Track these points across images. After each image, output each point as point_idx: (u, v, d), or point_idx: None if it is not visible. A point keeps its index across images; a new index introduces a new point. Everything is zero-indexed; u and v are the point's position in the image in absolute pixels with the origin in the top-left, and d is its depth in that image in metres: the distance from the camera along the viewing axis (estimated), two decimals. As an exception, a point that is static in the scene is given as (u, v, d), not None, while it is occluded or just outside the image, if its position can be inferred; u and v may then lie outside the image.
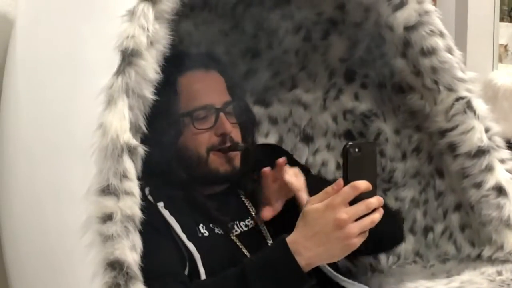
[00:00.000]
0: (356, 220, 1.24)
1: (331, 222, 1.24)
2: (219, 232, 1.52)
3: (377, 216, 1.26)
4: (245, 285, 1.29)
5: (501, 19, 6.43)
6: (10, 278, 1.43)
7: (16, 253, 1.41)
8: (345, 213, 1.23)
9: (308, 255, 1.27)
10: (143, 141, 1.33)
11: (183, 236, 1.43)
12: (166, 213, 1.44)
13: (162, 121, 1.43)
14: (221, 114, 1.54)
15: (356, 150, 1.26)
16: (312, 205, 1.27)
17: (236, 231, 1.55)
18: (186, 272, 1.42)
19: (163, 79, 1.36)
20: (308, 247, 1.27)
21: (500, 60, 5.85)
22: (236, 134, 1.57)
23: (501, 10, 6.28)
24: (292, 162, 1.72)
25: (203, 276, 1.41)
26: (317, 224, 1.26)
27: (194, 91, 1.54)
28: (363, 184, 1.24)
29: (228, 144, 1.54)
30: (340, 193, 1.24)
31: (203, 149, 1.53)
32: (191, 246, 1.43)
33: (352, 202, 1.24)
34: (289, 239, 1.29)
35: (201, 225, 1.51)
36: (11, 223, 1.42)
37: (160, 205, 1.44)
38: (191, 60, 1.58)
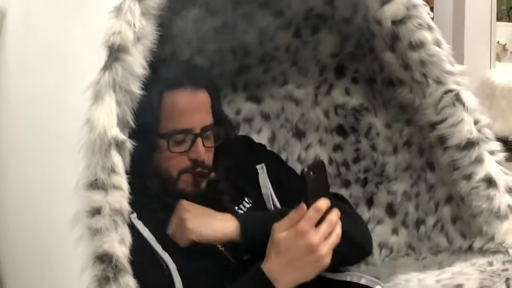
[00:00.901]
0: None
1: (303, 248, 1.29)
2: None
3: (339, 230, 1.33)
4: None
5: (500, 19, 6.44)
6: (3, 272, 1.43)
7: (8, 247, 1.42)
8: (314, 237, 1.29)
9: (285, 280, 1.32)
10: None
11: (158, 247, 1.43)
12: (139, 225, 1.43)
13: (138, 133, 1.38)
14: (198, 139, 1.53)
15: (311, 173, 1.31)
16: (280, 233, 1.31)
17: None
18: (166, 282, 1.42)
19: (149, 89, 1.36)
20: (284, 273, 1.32)
21: (499, 59, 5.86)
22: (209, 158, 1.57)
23: (500, 10, 6.29)
24: (277, 162, 1.77)
25: (178, 285, 1.41)
26: (290, 252, 1.30)
27: (177, 112, 1.51)
28: (324, 204, 1.30)
29: (199, 169, 1.54)
30: (306, 218, 1.29)
31: (175, 172, 1.53)
32: (165, 256, 1.42)
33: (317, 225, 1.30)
34: (265, 268, 1.32)
35: None
36: (3, 218, 1.42)
37: (133, 216, 1.41)
38: (181, 77, 1.55)
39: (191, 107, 1.54)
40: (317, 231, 1.29)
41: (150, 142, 1.48)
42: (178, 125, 1.52)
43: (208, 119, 1.57)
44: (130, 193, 1.29)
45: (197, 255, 1.46)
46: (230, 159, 1.65)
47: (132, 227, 1.35)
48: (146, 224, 1.44)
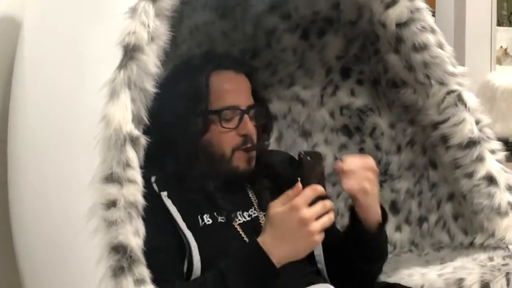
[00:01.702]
0: (317, 219, 1.32)
1: (296, 221, 1.31)
2: (222, 221, 1.54)
3: (332, 215, 1.34)
4: (224, 283, 1.34)
5: (500, 24, 6.44)
6: (20, 264, 1.45)
7: (26, 240, 1.43)
8: (307, 212, 1.31)
9: (278, 253, 1.33)
10: (163, 131, 1.40)
11: (183, 225, 1.46)
12: (168, 202, 1.47)
13: (188, 112, 1.47)
14: (245, 116, 1.57)
15: (308, 158, 1.36)
16: (276, 208, 1.34)
17: (239, 220, 1.57)
18: (186, 259, 1.44)
19: (196, 72, 1.41)
20: (277, 246, 1.33)
21: (500, 63, 5.86)
22: (254, 137, 1.60)
23: (500, 15, 6.29)
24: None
25: (197, 263, 1.43)
26: (284, 224, 1.33)
27: (224, 90, 1.57)
28: (320, 187, 1.33)
29: (249, 145, 1.58)
30: (302, 195, 1.32)
31: (229, 148, 1.56)
32: (189, 234, 1.45)
33: (309, 205, 1.33)
34: (260, 240, 1.35)
35: (206, 214, 1.53)
36: (21, 212, 1.44)
37: (164, 194, 1.46)
38: (224, 60, 1.61)
39: (236, 87, 1.59)
40: (310, 208, 1.31)
41: (201, 119, 1.53)
42: (226, 102, 1.56)
43: (251, 100, 1.61)
44: (163, 176, 1.34)
45: (216, 236, 1.49)
46: (273, 167, 1.69)
47: (161, 203, 1.42)
48: (174, 203, 1.47)
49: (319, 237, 1.33)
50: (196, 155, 1.54)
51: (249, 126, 1.57)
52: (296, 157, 1.39)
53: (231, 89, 1.58)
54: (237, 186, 1.63)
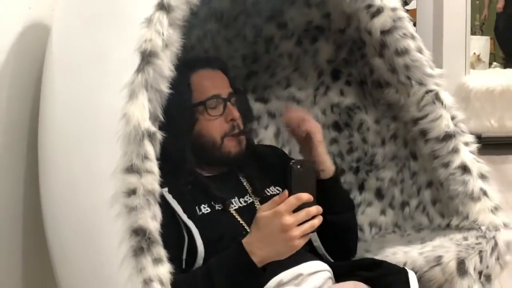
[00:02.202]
0: (299, 225, 1.32)
1: (278, 227, 1.32)
2: (219, 208, 1.56)
3: (316, 222, 1.33)
4: (210, 280, 1.36)
5: (474, 33, 6.46)
6: (51, 248, 1.46)
7: (55, 226, 1.44)
8: (289, 219, 1.31)
9: (260, 253, 1.35)
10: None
11: (184, 216, 1.48)
12: (169, 197, 1.49)
13: (177, 112, 1.47)
14: (228, 103, 1.60)
15: (298, 166, 1.34)
16: (262, 212, 1.35)
17: (234, 206, 1.58)
18: (185, 248, 1.47)
19: (178, 77, 1.40)
20: (260, 247, 1.34)
21: (473, 67, 5.89)
22: (240, 122, 1.62)
23: (473, 25, 6.31)
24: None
25: (200, 246, 1.46)
26: (267, 228, 1.33)
27: (204, 85, 1.60)
28: (305, 196, 1.32)
29: (236, 130, 1.60)
30: (286, 202, 1.32)
31: (218, 135, 1.58)
32: (189, 223, 1.48)
33: (296, 212, 1.32)
34: (245, 241, 1.36)
35: (203, 204, 1.55)
36: (51, 202, 1.45)
37: (165, 190, 1.46)
38: (201, 61, 1.65)
39: (214, 79, 1.62)
40: (292, 215, 1.31)
41: (188, 114, 1.55)
42: (209, 93, 1.59)
43: (230, 90, 1.63)
44: (162, 174, 1.33)
45: (215, 222, 1.51)
46: (264, 158, 1.71)
47: (163, 199, 1.41)
48: (174, 196, 1.49)
49: (299, 242, 1.33)
50: (189, 147, 1.55)
51: (234, 111, 1.60)
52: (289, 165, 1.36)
53: (210, 83, 1.61)
54: (230, 176, 1.65)
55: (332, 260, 1.66)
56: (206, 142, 1.58)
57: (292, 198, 1.32)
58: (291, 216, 1.31)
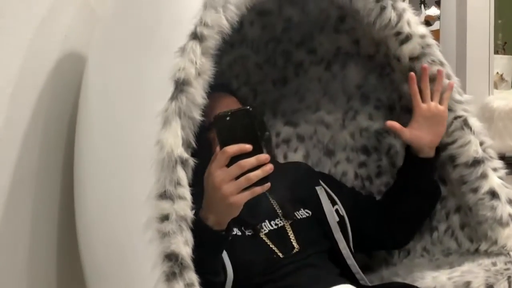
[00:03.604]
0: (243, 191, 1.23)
1: (211, 187, 1.25)
2: (249, 234, 1.54)
3: (256, 173, 1.22)
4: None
5: (496, 52, 6.39)
6: (85, 269, 1.46)
7: (90, 248, 1.44)
8: (218, 177, 1.23)
9: (209, 217, 1.30)
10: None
11: None
12: None
13: (199, 134, 1.39)
14: None
15: (227, 118, 1.23)
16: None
17: (265, 230, 1.56)
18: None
19: None
20: (209, 210, 1.29)
21: (496, 87, 5.82)
22: None
23: (496, 44, 6.25)
24: (327, 178, 1.79)
25: (229, 269, 1.42)
26: (206, 190, 1.28)
27: (215, 106, 1.54)
28: (231, 148, 1.22)
29: None
30: (213, 160, 1.25)
31: None
32: None
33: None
34: (201, 208, 1.31)
35: (233, 228, 1.50)
36: (86, 223, 1.45)
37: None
38: (210, 88, 1.56)
39: (225, 101, 1.60)
40: (222, 172, 1.23)
41: (207, 135, 1.50)
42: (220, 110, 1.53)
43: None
44: (194, 199, 1.30)
45: (244, 247, 1.49)
46: (291, 177, 1.68)
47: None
48: None
49: (236, 199, 1.23)
50: None
51: None
52: None
53: (220, 103, 1.58)
54: (261, 198, 1.59)
55: (367, 282, 1.63)
56: None
57: (218, 154, 1.23)
58: (220, 173, 1.23)
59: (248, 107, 1.27)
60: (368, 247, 1.80)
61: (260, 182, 1.23)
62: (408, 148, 1.71)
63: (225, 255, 1.44)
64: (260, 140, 1.23)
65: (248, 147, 1.22)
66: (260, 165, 1.22)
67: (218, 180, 1.24)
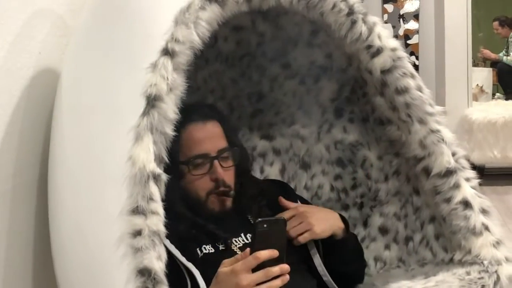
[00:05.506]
0: (259, 285, 1.27)
1: (233, 285, 1.27)
2: (223, 248, 1.54)
3: (276, 282, 1.28)
4: None
5: (476, 65, 6.45)
6: (60, 285, 1.45)
7: (64, 265, 1.43)
8: (245, 279, 1.26)
9: None
10: None
11: (183, 259, 1.45)
12: (167, 242, 1.42)
13: (169, 165, 1.40)
14: (215, 161, 1.55)
15: (265, 225, 1.28)
16: (224, 267, 1.32)
17: (238, 244, 1.56)
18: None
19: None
20: None
21: (476, 99, 5.87)
22: (229, 177, 1.58)
23: (476, 57, 6.30)
24: (295, 196, 1.79)
25: (203, 287, 1.42)
26: (223, 285, 1.30)
27: (192, 142, 1.55)
28: (264, 254, 1.26)
29: (221, 188, 1.56)
30: (244, 261, 1.28)
31: (203, 192, 1.56)
32: (189, 264, 1.44)
33: (258, 270, 1.27)
34: None
35: (205, 245, 1.52)
36: (59, 239, 1.45)
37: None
38: (191, 114, 1.57)
39: (203, 135, 1.57)
40: (249, 275, 1.27)
41: (175, 170, 1.49)
42: (196, 151, 1.55)
43: (222, 143, 1.59)
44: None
45: (217, 262, 1.47)
46: (263, 195, 1.69)
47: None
48: (172, 241, 1.45)
49: None
50: (178, 199, 1.51)
51: (219, 171, 1.55)
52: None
53: (198, 139, 1.56)
54: (236, 213, 1.61)
55: None
56: (192, 197, 1.56)
57: (250, 257, 1.27)
58: (247, 276, 1.27)
59: (283, 218, 1.35)
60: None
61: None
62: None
63: (196, 273, 1.44)
64: (285, 249, 1.29)
65: (276, 254, 1.27)
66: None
67: (243, 282, 1.26)
